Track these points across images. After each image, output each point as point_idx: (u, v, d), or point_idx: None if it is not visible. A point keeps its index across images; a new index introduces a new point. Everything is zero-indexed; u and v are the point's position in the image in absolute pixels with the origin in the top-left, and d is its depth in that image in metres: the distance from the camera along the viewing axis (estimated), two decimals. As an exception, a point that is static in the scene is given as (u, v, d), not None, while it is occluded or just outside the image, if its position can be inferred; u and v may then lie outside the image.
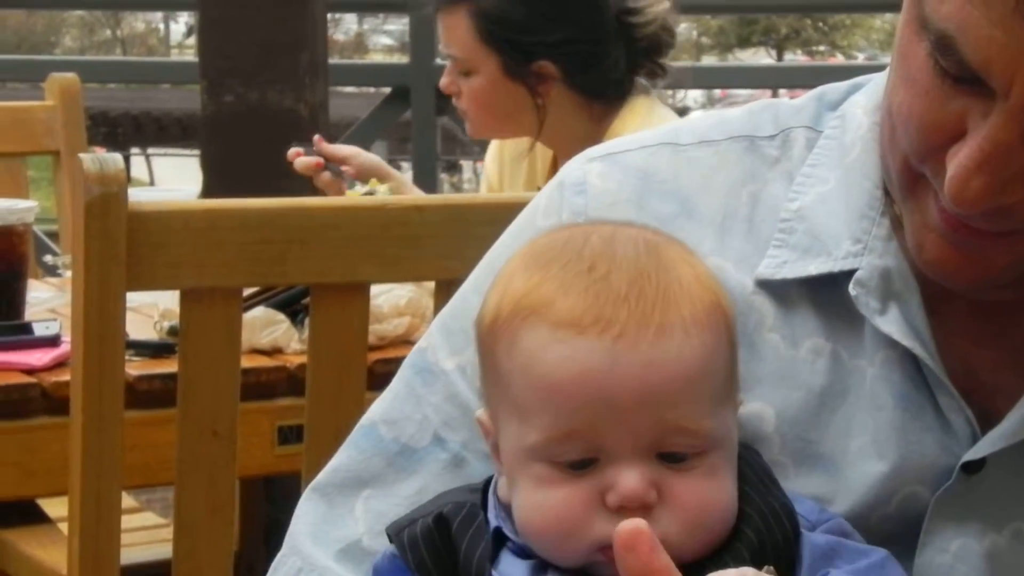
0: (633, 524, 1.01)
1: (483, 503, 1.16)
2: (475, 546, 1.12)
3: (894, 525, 1.16)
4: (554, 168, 2.97)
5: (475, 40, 2.86)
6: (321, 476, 1.29)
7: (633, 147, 1.28)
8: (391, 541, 1.15)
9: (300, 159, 3.00)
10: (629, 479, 1.07)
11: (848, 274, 1.18)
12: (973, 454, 1.16)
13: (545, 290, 1.11)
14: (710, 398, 1.10)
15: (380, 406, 1.29)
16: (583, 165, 1.28)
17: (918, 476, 1.17)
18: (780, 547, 1.12)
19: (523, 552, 1.12)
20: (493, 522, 1.14)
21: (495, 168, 3.15)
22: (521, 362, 1.10)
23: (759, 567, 1.08)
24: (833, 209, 1.21)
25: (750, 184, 1.24)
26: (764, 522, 1.12)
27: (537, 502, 1.10)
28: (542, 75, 2.84)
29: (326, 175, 2.99)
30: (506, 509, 1.14)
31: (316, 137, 3.06)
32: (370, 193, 2.87)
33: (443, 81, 2.96)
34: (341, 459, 1.28)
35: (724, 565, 1.08)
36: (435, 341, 1.28)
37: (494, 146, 3.15)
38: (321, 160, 2.99)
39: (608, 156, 1.28)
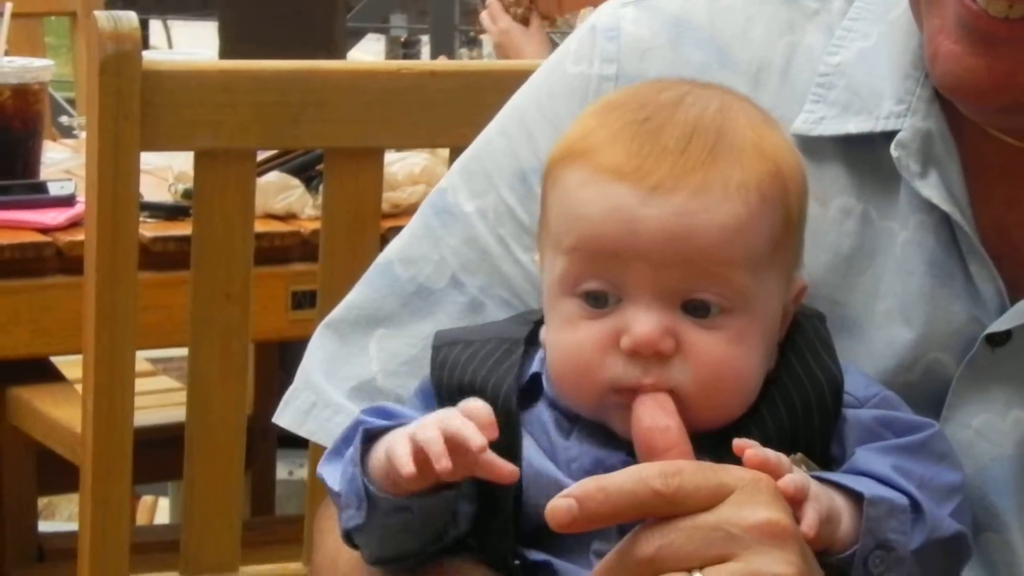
0: (653, 398, 1.01)
1: (531, 337, 1.15)
2: (502, 382, 1.11)
3: (917, 394, 1.15)
4: None
5: None
6: (335, 312, 1.28)
7: None
8: (433, 348, 1.15)
9: None
10: (644, 323, 1.06)
11: (887, 135, 1.17)
12: (998, 325, 1.15)
13: (595, 137, 1.10)
14: (747, 255, 1.08)
15: (397, 245, 1.28)
16: (616, 10, 1.26)
17: (943, 343, 1.16)
18: (815, 422, 1.10)
19: (554, 404, 1.12)
20: (535, 367, 1.13)
21: None
22: (560, 196, 1.11)
23: (789, 439, 1.07)
24: (875, 66, 1.19)
25: (787, 35, 1.22)
26: (800, 393, 1.10)
27: (559, 340, 1.10)
28: None
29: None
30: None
31: None
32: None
33: None
34: (355, 296, 1.28)
35: (747, 433, 1.07)
36: (455, 182, 1.27)
37: None
38: None
39: (642, 1, 1.26)
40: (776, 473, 1.01)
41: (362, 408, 1.17)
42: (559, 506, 0.97)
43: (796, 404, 1.10)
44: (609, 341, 1.07)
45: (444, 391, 1.13)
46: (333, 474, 1.12)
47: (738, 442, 1.03)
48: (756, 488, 0.99)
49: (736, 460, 1.03)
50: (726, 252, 1.07)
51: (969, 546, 1.11)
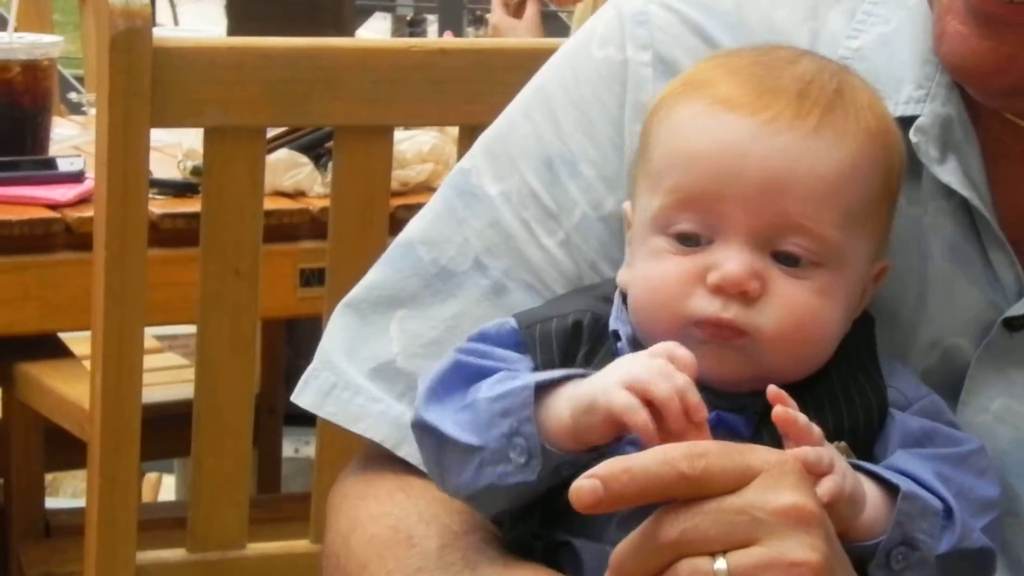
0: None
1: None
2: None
3: (935, 379, 1.15)
4: None
5: None
6: (355, 292, 1.27)
7: None
8: (519, 329, 1.14)
9: None
10: (734, 262, 1.07)
11: (908, 120, 1.16)
12: (1016, 310, 1.15)
13: (715, 72, 1.12)
14: (842, 212, 1.08)
15: (419, 225, 1.26)
16: None
17: (961, 328, 1.16)
18: (860, 425, 1.10)
19: None
20: (612, 324, 1.13)
21: None
22: (668, 130, 1.11)
23: (831, 440, 1.06)
24: (895, 51, 1.19)
25: (810, 21, 1.22)
26: (845, 396, 1.10)
27: (646, 273, 1.11)
28: None
29: None
30: (623, 300, 1.13)
31: None
32: None
33: None
34: (376, 276, 1.26)
35: None
36: (479, 163, 1.25)
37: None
38: None
39: None
40: (801, 439, 1.01)
41: (458, 349, 1.14)
42: (584, 487, 0.96)
43: (841, 406, 1.10)
44: (696, 276, 1.08)
45: (560, 366, 1.11)
46: (453, 422, 1.08)
47: (773, 391, 1.02)
48: (782, 471, 0.98)
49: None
50: (823, 207, 1.08)
51: (994, 563, 1.11)
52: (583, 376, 1.06)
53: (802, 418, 1.01)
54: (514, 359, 1.12)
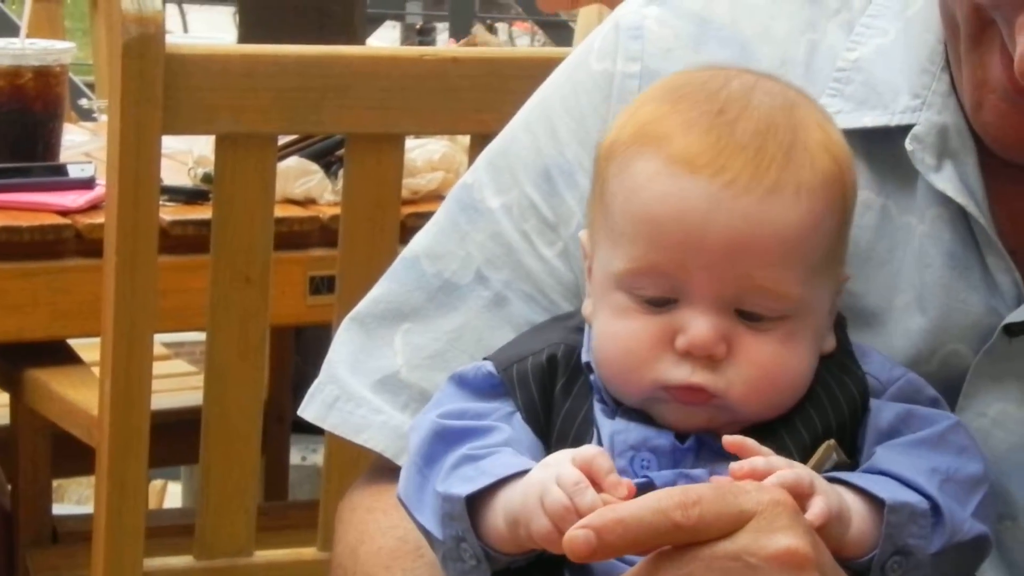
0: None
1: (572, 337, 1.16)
2: (580, 406, 1.12)
3: (935, 384, 1.15)
4: None
5: None
6: (361, 306, 1.29)
7: None
8: (497, 373, 1.14)
9: None
10: (701, 327, 1.07)
11: (904, 129, 1.17)
12: (1016, 316, 1.16)
13: (669, 123, 1.10)
14: (804, 266, 1.09)
15: (423, 240, 1.28)
16: (640, 9, 1.26)
17: (960, 334, 1.17)
18: (847, 419, 1.11)
19: (598, 389, 1.12)
20: (584, 356, 1.14)
21: None
22: (627, 188, 1.11)
23: (819, 443, 1.08)
24: (892, 62, 1.19)
25: (809, 33, 1.22)
26: (828, 395, 1.11)
27: (611, 331, 1.11)
28: None
29: None
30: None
31: None
32: None
33: None
34: (381, 290, 1.28)
35: (780, 436, 1.08)
36: (481, 178, 1.27)
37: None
38: None
39: (666, 1, 1.26)
40: (765, 476, 1.02)
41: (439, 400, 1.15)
42: (577, 537, 0.97)
43: (830, 417, 1.11)
44: (663, 339, 1.08)
45: (540, 403, 1.13)
46: (428, 507, 1.10)
47: (727, 442, 1.04)
48: (775, 513, 0.99)
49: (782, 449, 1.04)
50: (786, 267, 1.08)
51: (989, 545, 1.11)
52: (520, 475, 1.06)
53: (759, 461, 1.02)
54: (489, 412, 1.12)
